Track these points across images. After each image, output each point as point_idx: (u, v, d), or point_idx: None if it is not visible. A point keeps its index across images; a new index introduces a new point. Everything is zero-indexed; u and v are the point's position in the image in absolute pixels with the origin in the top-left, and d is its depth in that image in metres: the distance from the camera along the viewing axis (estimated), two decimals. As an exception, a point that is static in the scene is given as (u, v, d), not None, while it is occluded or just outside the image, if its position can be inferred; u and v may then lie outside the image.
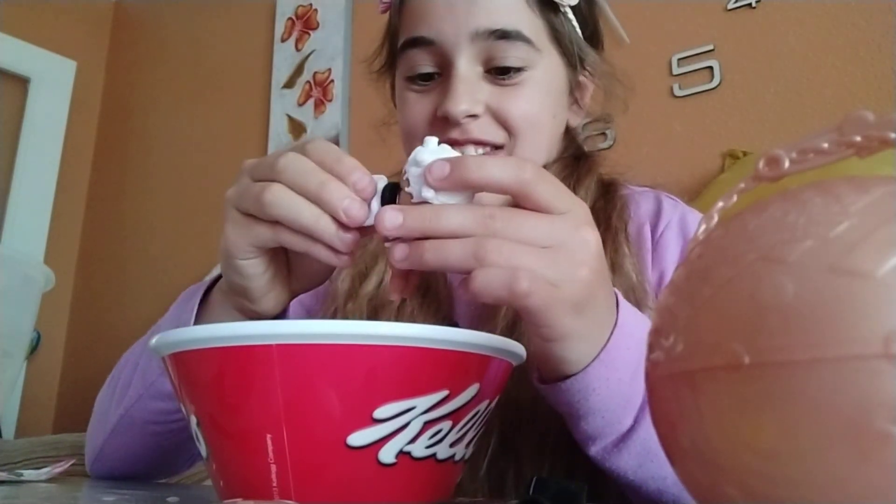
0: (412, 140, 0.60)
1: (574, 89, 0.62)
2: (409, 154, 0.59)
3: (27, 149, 2.52)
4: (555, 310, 0.35)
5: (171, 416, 0.52)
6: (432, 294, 0.59)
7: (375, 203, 0.38)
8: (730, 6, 1.34)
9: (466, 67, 0.54)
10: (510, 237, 0.34)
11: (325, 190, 0.37)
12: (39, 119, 2.57)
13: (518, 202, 0.35)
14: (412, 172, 0.36)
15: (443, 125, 0.56)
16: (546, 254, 0.34)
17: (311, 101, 2.01)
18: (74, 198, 2.65)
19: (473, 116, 0.55)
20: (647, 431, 0.41)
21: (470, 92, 0.54)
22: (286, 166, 0.38)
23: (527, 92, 0.56)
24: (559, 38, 0.58)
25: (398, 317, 0.58)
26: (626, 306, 0.41)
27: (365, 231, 0.38)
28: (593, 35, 0.63)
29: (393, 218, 0.34)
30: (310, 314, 0.67)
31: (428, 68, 0.56)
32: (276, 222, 0.39)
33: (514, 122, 0.56)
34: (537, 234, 0.34)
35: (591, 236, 0.36)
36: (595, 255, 0.36)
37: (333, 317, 0.60)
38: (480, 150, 0.56)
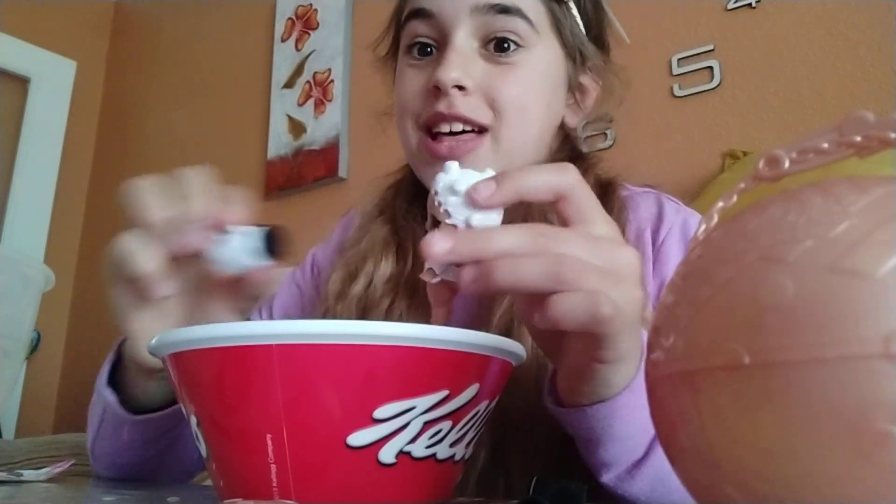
0: (403, 114, 0.59)
1: (575, 88, 0.62)
2: (404, 133, 0.60)
3: (27, 149, 2.52)
4: (623, 333, 0.34)
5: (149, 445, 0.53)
6: (421, 295, 0.58)
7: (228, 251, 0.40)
8: (730, 6, 1.34)
9: (463, 40, 0.55)
10: (572, 254, 0.33)
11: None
12: (39, 119, 2.57)
13: (559, 204, 0.35)
14: (451, 202, 0.35)
15: (433, 97, 0.55)
16: (609, 275, 0.33)
17: (311, 101, 2.01)
18: (74, 198, 2.65)
19: (462, 89, 0.54)
20: (660, 458, 0.40)
21: (462, 63, 0.54)
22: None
23: (520, 73, 0.56)
24: (560, 28, 0.58)
25: (387, 317, 0.57)
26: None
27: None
28: (598, 39, 0.63)
29: (442, 244, 0.33)
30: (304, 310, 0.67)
31: (426, 39, 0.57)
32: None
33: (503, 102, 0.55)
34: (593, 253, 0.34)
35: (633, 256, 0.36)
36: (640, 275, 0.36)
37: (324, 318, 0.60)
38: (467, 128, 0.56)
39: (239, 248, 0.41)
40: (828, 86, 1.21)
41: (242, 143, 2.18)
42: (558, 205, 0.35)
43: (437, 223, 0.37)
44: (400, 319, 0.57)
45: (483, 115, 0.55)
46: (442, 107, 0.54)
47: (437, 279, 0.37)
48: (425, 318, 0.57)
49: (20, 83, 2.56)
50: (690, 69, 1.36)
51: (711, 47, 1.35)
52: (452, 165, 0.36)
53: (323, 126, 1.95)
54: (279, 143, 2.06)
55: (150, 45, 2.70)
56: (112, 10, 2.88)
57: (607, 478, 0.42)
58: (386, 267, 0.60)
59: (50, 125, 2.60)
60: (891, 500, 0.18)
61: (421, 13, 0.57)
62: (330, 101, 1.96)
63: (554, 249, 0.33)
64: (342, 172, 1.90)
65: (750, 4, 1.32)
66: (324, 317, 0.60)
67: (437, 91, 0.55)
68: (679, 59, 1.38)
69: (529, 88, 0.57)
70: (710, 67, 1.34)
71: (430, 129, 0.57)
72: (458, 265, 0.35)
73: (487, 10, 0.54)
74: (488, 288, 0.33)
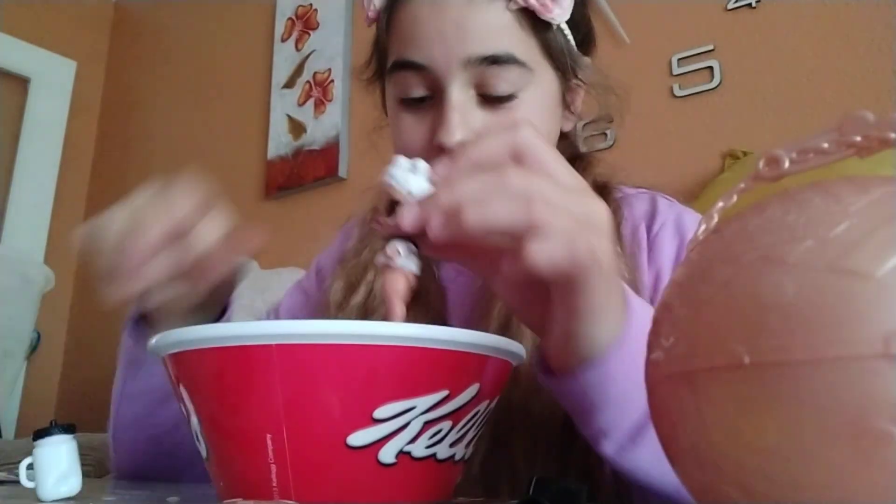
0: None
1: (565, 95, 0.62)
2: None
3: (27, 149, 2.52)
4: (597, 278, 0.34)
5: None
6: (423, 294, 0.59)
7: None
8: (730, 6, 1.34)
9: (459, 95, 0.53)
10: (543, 195, 0.33)
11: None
12: (39, 119, 2.57)
13: (522, 164, 0.35)
14: (411, 179, 0.36)
15: (437, 153, 0.55)
16: (581, 219, 0.33)
17: (311, 101, 2.01)
18: (74, 198, 2.65)
19: None
20: None
21: (464, 122, 0.53)
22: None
23: (520, 114, 0.55)
24: (552, 53, 0.57)
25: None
26: (629, 290, 0.41)
27: None
28: (585, 38, 0.62)
29: (410, 211, 0.34)
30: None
31: (420, 92, 0.56)
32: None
33: None
34: (564, 198, 0.33)
35: (604, 208, 0.36)
36: (610, 229, 0.36)
37: None
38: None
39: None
40: (828, 86, 1.21)
41: (242, 142, 2.18)
42: (521, 165, 0.35)
43: (391, 210, 0.37)
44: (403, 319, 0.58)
45: None
46: None
47: (395, 265, 0.37)
48: (429, 317, 0.58)
49: (20, 83, 2.56)
50: (690, 69, 1.36)
51: (711, 47, 1.35)
52: (399, 158, 0.37)
53: (323, 126, 1.95)
54: (279, 143, 2.06)
55: (150, 44, 2.69)
56: (112, 10, 2.88)
57: (608, 448, 0.41)
58: None
59: (50, 125, 2.60)
60: (891, 500, 0.18)
61: (410, 65, 0.55)
62: (330, 101, 1.96)
63: (525, 190, 0.33)
64: (342, 172, 1.90)
65: (750, 4, 1.32)
66: None
67: (441, 149, 0.54)
68: (679, 59, 1.38)
69: None
70: (710, 67, 1.34)
71: None
72: (420, 256, 0.36)
73: (479, 63, 0.53)
74: (459, 232, 0.33)
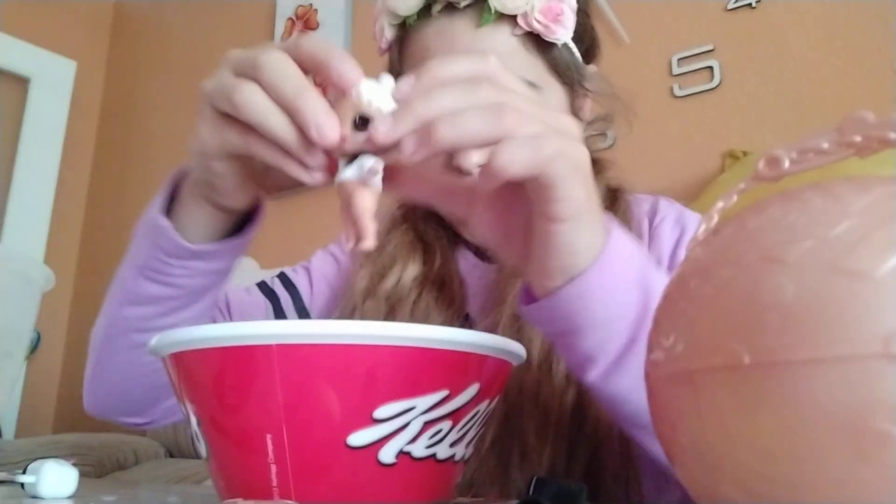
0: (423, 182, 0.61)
1: (573, 105, 0.63)
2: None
3: (27, 149, 2.52)
4: (572, 179, 0.34)
5: (151, 322, 0.50)
6: (447, 289, 0.61)
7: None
8: (730, 6, 1.34)
9: None
10: (515, 105, 0.33)
11: (300, 99, 0.34)
12: (39, 119, 2.57)
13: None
14: (375, 95, 0.35)
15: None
16: (552, 126, 0.34)
17: (311, 101, 2.01)
18: (74, 198, 2.65)
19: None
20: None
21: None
22: (266, 64, 0.34)
23: None
24: (558, 70, 0.59)
25: (414, 310, 0.59)
26: (611, 218, 0.41)
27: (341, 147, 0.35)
28: (590, 48, 0.63)
29: (384, 124, 0.33)
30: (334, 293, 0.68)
31: None
32: (248, 126, 0.36)
33: None
34: (535, 109, 0.34)
35: (575, 122, 0.36)
36: (580, 138, 0.36)
37: (351, 315, 0.61)
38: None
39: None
40: (828, 86, 1.21)
41: (242, 143, 2.18)
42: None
43: (361, 127, 0.35)
44: (426, 312, 0.60)
45: None
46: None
47: (365, 182, 0.36)
48: (451, 310, 0.60)
49: (20, 83, 2.56)
50: (690, 69, 1.36)
51: (711, 47, 1.35)
52: (364, 79, 0.36)
53: (323, 126, 1.95)
54: (279, 143, 2.06)
55: (151, 45, 2.70)
56: (112, 10, 2.88)
57: (594, 375, 0.40)
58: (414, 267, 0.62)
59: (50, 125, 2.60)
60: (891, 500, 0.18)
61: None
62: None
63: (496, 102, 0.33)
64: (342, 172, 1.89)
65: (750, 4, 1.32)
66: (352, 313, 0.62)
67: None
68: (679, 59, 1.38)
69: None
70: (710, 67, 1.34)
71: None
72: (386, 176, 0.35)
73: None
74: (432, 149, 0.33)
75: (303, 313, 0.66)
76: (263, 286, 0.67)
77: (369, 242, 0.36)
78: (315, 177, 0.37)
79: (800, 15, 1.26)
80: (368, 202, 0.36)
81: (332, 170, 0.37)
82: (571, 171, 0.34)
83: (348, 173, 0.36)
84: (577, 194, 0.35)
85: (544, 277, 0.39)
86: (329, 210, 1.86)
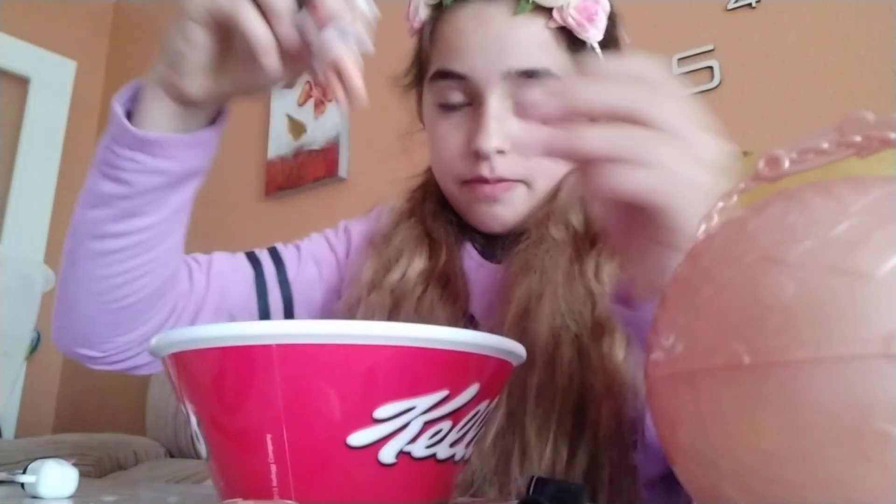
0: (444, 172, 0.62)
1: None
2: (444, 184, 0.63)
3: (27, 149, 2.52)
4: (691, 215, 0.34)
5: (105, 226, 0.52)
6: (451, 286, 0.62)
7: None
8: (730, 6, 1.34)
9: (497, 104, 0.57)
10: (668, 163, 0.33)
11: None
12: (39, 119, 2.57)
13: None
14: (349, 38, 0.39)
15: (473, 157, 0.58)
16: (686, 152, 0.34)
17: (311, 101, 2.01)
18: (74, 198, 2.63)
19: (501, 152, 0.58)
20: None
21: (500, 129, 0.57)
22: None
23: None
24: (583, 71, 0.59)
25: (419, 306, 0.60)
26: None
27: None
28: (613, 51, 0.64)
29: (550, 104, 0.34)
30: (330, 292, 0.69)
31: (458, 98, 0.59)
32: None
33: (539, 158, 0.57)
34: (674, 122, 0.34)
35: (715, 143, 0.36)
36: (716, 164, 0.36)
37: (356, 306, 0.62)
38: None
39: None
40: (828, 86, 1.21)
41: (242, 143, 2.18)
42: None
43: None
44: (431, 308, 0.60)
45: (520, 171, 0.59)
46: (485, 171, 0.58)
47: (337, 38, 0.39)
48: (455, 308, 0.61)
49: (20, 83, 2.56)
50: (690, 69, 1.36)
51: (711, 47, 1.35)
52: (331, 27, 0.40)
53: (323, 126, 1.95)
54: (279, 143, 2.06)
55: (151, 45, 2.69)
56: (112, 10, 2.88)
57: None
58: (419, 262, 0.63)
59: (50, 125, 2.60)
60: (891, 500, 0.18)
61: (452, 75, 0.59)
62: (330, 101, 1.96)
63: (652, 159, 0.33)
64: (342, 172, 1.90)
65: (750, 4, 1.32)
66: (356, 305, 0.62)
67: (477, 154, 0.58)
68: (679, 59, 1.38)
69: None
70: (710, 67, 1.34)
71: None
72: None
73: (518, 76, 0.56)
74: (568, 148, 0.34)
75: (284, 286, 0.67)
76: (251, 255, 0.68)
77: (362, 96, 0.38)
78: (270, 59, 0.41)
79: (800, 15, 1.26)
80: (357, 62, 0.40)
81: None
82: (692, 205, 0.34)
83: (332, 35, 0.39)
84: (693, 228, 0.35)
85: (647, 290, 0.40)
86: (329, 210, 1.86)
